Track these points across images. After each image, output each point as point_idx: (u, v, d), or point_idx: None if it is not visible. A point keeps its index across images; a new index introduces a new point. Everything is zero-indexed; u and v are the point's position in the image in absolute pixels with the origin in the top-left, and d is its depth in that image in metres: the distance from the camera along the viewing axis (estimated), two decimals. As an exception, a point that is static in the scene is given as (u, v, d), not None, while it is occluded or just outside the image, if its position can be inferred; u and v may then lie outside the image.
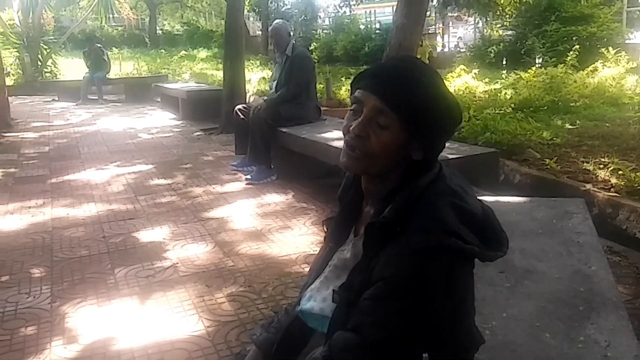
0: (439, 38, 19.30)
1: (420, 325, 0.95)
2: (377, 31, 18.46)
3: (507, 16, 16.04)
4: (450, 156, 3.17)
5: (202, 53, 21.01)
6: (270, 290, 2.76)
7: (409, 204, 1.01)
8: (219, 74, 12.42)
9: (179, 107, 8.89)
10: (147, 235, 3.58)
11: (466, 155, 3.20)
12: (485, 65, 12.95)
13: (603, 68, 9.40)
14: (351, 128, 1.05)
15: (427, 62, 9.18)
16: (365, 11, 25.46)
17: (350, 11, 24.35)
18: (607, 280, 1.56)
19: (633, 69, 9.80)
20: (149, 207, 4.18)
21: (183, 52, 17.77)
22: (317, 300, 1.18)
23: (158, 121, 8.82)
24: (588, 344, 1.31)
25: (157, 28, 27.35)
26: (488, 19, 17.49)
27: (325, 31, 23.19)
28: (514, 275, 1.64)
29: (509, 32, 14.82)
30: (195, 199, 4.34)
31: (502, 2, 15.97)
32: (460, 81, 8.97)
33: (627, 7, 13.77)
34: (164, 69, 14.40)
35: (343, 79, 10.29)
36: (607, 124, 5.86)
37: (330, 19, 24.50)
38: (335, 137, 4.05)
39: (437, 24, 20.35)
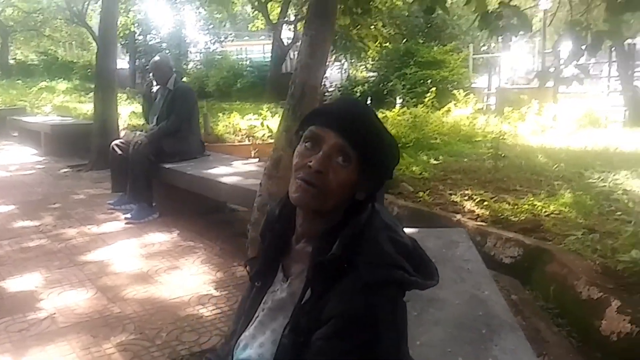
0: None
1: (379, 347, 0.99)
2: (249, 68, 18.72)
3: (370, 59, 17.15)
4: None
5: (62, 85, 19.66)
6: (164, 336, 2.63)
7: (353, 240, 1.04)
8: (84, 107, 11.73)
9: (41, 142, 8.19)
10: (15, 283, 3.24)
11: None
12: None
13: (455, 108, 10.43)
14: (310, 163, 1.04)
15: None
16: (236, 48, 25.71)
17: (221, 47, 24.44)
18: (500, 304, 1.73)
19: (480, 110, 10.98)
20: (15, 252, 3.78)
21: (43, 83, 16.49)
22: (254, 347, 1.13)
23: (16, 157, 8.04)
24: (496, 364, 1.43)
25: (10, 57, 25.12)
26: (353, 60, 18.55)
27: (197, 67, 22.96)
28: (419, 304, 1.75)
29: (372, 74, 15.84)
30: (69, 241, 4.01)
31: (368, 45, 17.07)
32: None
33: (473, 54, 15.48)
34: (21, 101, 13.22)
35: (220, 114, 10.23)
36: (465, 160, 6.46)
37: (201, 55, 24.36)
38: (223, 172, 4.02)
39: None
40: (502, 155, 6.08)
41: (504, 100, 12.12)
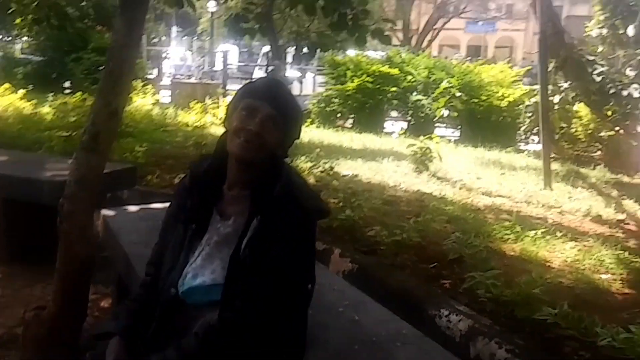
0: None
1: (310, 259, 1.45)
2: None
3: (26, 37, 15.35)
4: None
5: None
6: None
7: (288, 183, 1.43)
8: None
9: None
10: None
11: (114, 170, 3.42)
12: (15, 86, 12.22)
13: (136, 99, 10.53)
14: (250, 127, 1.39)
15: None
16: None
17: None
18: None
19: (157, 101, 11.33)
20: None
21: None
22: (206, 275, 1.40)
23: None
24: None
25: None
26: (6, 37, 16.31)
27: None
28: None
29: (36, 55, 14.35)
30: None
31: (18, 22, 15.09)
32: (7, 101, 8.39)
33: (147, 45, 15.64)
34: None
35: None
36: (168, 147, 6.84)
37: None
38: None
39: None
40: (204, 143, 6.69)
41: (177, 93, 12.78)
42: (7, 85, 9.20)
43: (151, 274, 1.55)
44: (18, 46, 15.39)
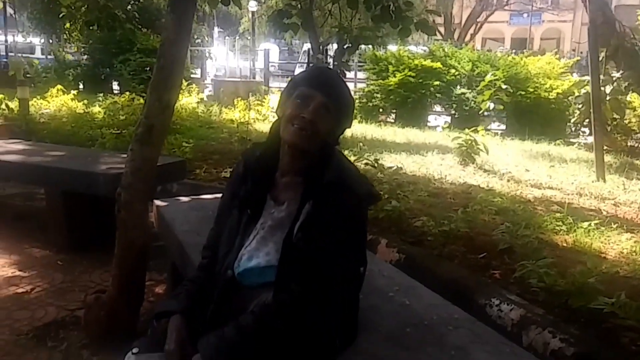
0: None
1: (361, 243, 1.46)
2: None
3: (76, 41, 15.90)
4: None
5: None
6: None
7: (339, 170, 1.44)
8: None
9: None
10: None
11: (165, 163, 3.52)
12: (66, 87, 12.69)
13: (182, 98, 10.76)
14: (304, 115, 1.40)
15: (23, 78, 8.52)
16: None
17: None
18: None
19: (202, 100, 11.55)
20: None
21: None
22: (261, 257, 1.43)
23: None
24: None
25: None
26: (56, 41, 16.95)
27: None
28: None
29: (85, 57, 14.85)
30: None
31: (67, 27, 15.66)
32: (60, 101, 8.73)
33: (190, 46, 15.93)
34: None
35: None
36: (214, 142, 6.97)
37: None
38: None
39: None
40: (249, 139, 6.79)
41: (221, 91, 12.96)
42: (59, 86, 9.54)
43: (208, 257, 1.58)
44: (67, 49, 15.95)
